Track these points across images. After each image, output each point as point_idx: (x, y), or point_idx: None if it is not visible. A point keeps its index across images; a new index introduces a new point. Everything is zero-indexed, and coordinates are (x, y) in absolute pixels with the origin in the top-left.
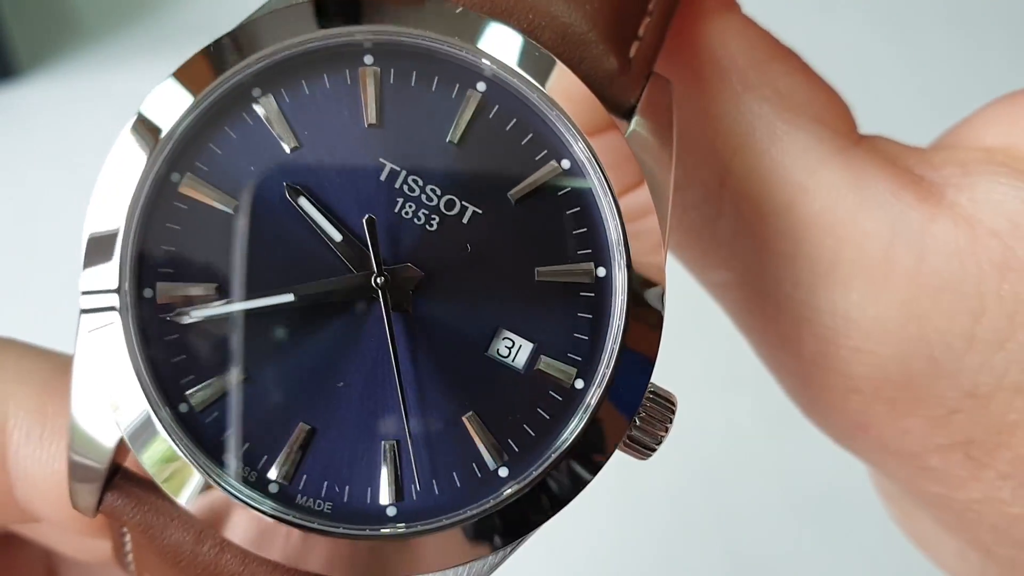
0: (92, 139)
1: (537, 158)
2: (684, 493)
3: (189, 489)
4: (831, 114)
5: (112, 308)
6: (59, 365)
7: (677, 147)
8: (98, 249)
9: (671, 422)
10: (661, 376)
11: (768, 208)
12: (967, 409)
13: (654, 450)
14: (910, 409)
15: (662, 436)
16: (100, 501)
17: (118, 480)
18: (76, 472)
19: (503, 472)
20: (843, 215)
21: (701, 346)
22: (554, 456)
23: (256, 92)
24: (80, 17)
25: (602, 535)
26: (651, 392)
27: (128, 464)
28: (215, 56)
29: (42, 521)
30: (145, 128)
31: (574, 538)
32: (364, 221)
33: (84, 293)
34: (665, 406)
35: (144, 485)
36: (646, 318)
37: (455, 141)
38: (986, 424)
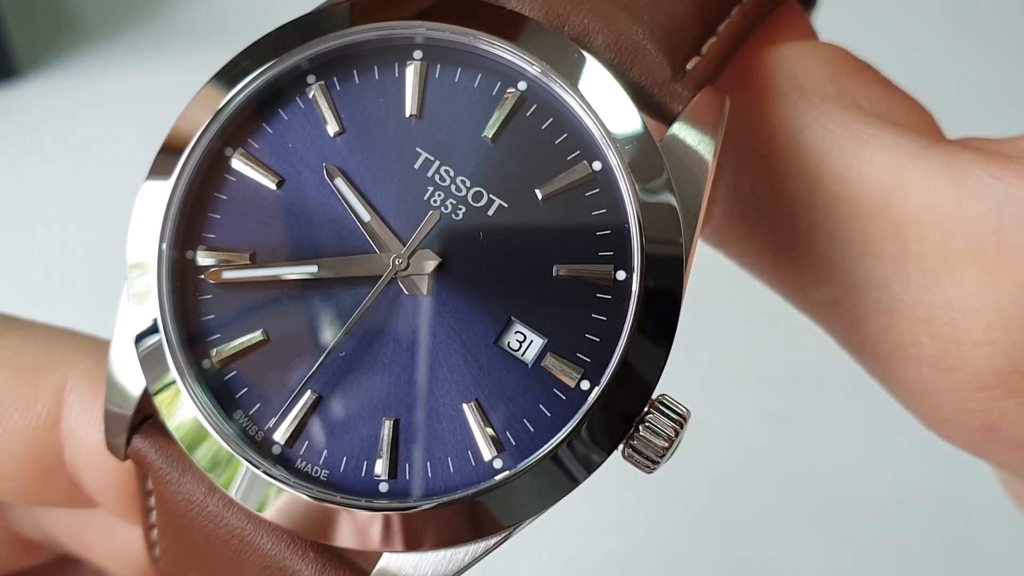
0: (92, 139)
1: (569, 158)
2: (684, 493)
3: (202, 443)
4: (914, 121)
5: (153, 265)
6: None
7: (720, 157)
8: (149, 208)
9: (676, 435)
10: (664, 374)
11: (866, 211)
12: None
13: (656, 463)
14: None
15: (664, 448)
16: (128, 444)
17: (146, 426)
18: (108, 419)
19: (497, 463)
20: (945, 206)
21: (702, 345)
22: (549, 453)
23: (311, 79)
24: (80, 17)
25: (602, 534)
26: (659, 402)
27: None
28: (277, 40)
29: (82, 503)
30: (209, 95)
31: (573, 537)
32: (427, 216)
33: (131, 248)
34: (672, 417)
35: (169, 435)
36: (658, 327)
37: (490, 136)
38: None
